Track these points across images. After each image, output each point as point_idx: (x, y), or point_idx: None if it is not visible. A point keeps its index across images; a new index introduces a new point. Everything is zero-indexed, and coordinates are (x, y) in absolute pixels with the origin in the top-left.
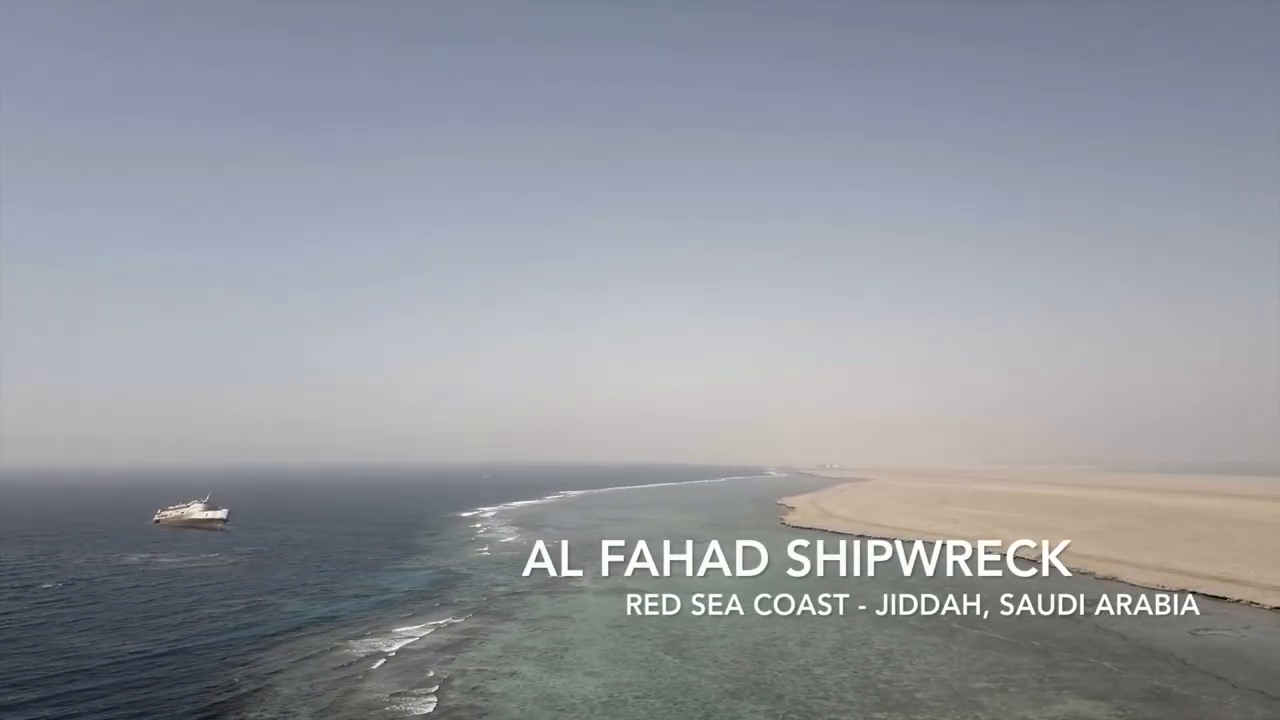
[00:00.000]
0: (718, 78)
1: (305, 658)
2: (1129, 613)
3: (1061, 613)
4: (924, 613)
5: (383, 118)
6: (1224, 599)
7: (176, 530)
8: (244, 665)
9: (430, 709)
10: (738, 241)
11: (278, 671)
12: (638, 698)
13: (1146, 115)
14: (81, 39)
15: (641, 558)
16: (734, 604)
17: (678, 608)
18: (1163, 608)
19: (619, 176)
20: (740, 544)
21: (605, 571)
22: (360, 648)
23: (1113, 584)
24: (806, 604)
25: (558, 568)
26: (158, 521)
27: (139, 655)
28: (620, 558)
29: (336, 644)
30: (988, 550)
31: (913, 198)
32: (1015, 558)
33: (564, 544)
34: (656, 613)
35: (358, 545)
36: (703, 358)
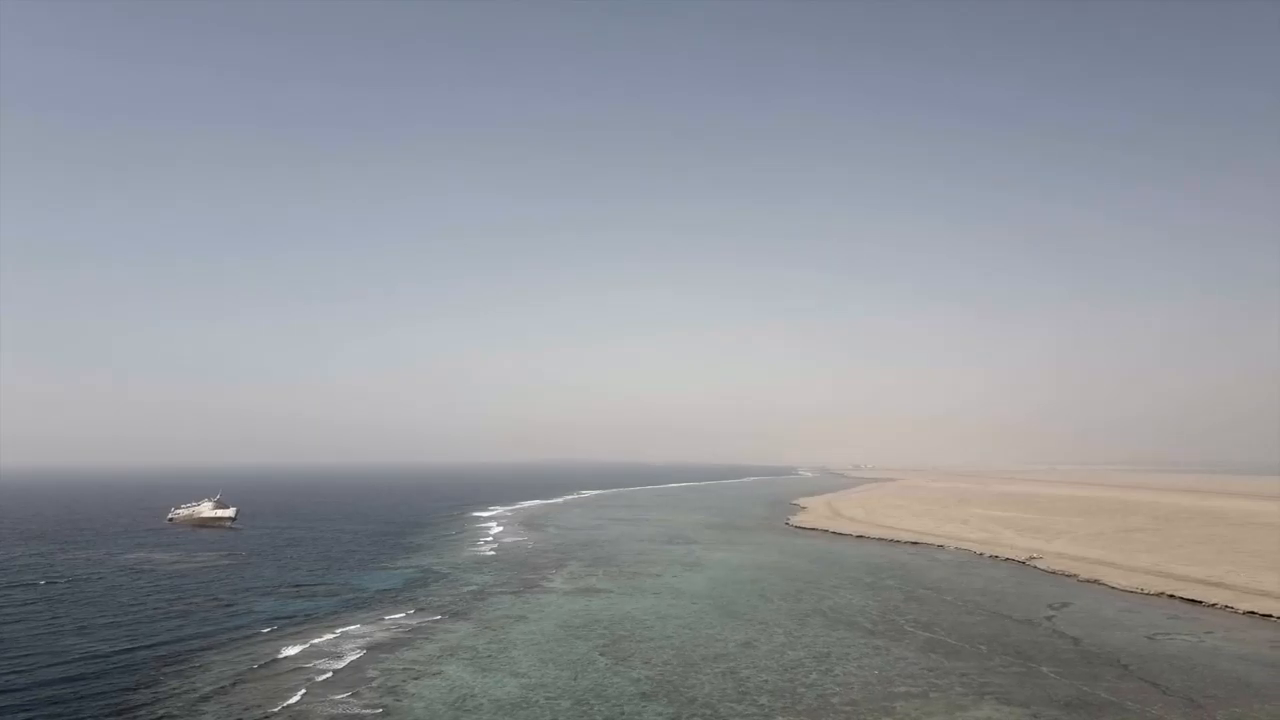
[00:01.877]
0: (723, 80)
1: (246, 656)
2: (1095, 616)
3: (1024, 616)
4: (883, 614)
5: (392, 120)
6: (1200, 602)
7: (189, 529)
8: (182, 664)
9: (337, 709)
10: (765, 244)
11: (210, 670)
12: (549, 699)
13: (1174, 113)
14: (90, 41)
15: (620, 560)
16: (694, 605)
17: (636, 609)
18: (1131, 611)
19: (639, 179)
20: (723, 547)
21: (580, 572)
22: (304, 647)
23: (1092, 586)
24: (768, 605)
25: (530, 568)
26: (171, 520)
27: (88, 656)
28: (600, 558)
29: (284, 643)
30: (975, 553)
31: (937, 196)
32: (1003, 560)
33: (542, 546)
34: (613, 614)
35: (357, 544)
36: (739, 359)
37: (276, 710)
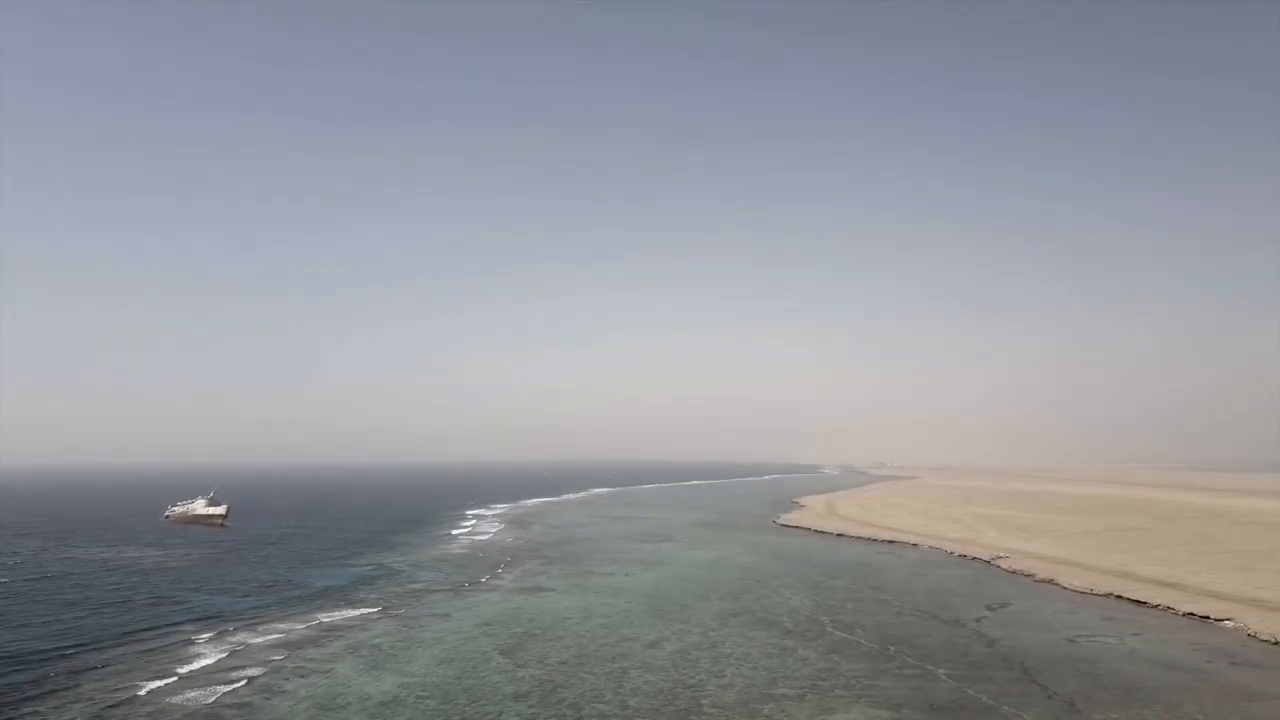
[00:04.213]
0: (723, 80)
1: (149, 654)
2: (1028, 617)
3: (956, 617)
4: (812, 614)
5: (390, 118)
6: (1144, 603)
7: (182, 526)
8: (85, 661)
9: (201, 706)
10: (788, 245)
11: (106, 668)
12: (418, 698)
13: (1174, 113)
14: (84, 20)
15: (584, 558)
16: (627, 605)
17: (566, 608)
18: (1069, 612)
19: (639, 179)
20: (698, 545)
21: (534, 570)
22: (213, 644)
23: (1045, 586)
24: (702, 604)
25: (486, 566)
26: (167, 517)
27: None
28: (565, 557)
29: (196, 640)
30: (946, 552)
31: (937, 196)
32: (970, 559)
33: (516, 544)
34: (540, 613)
35: (336, 542)
36: (741, 359)
37: (142, 705)
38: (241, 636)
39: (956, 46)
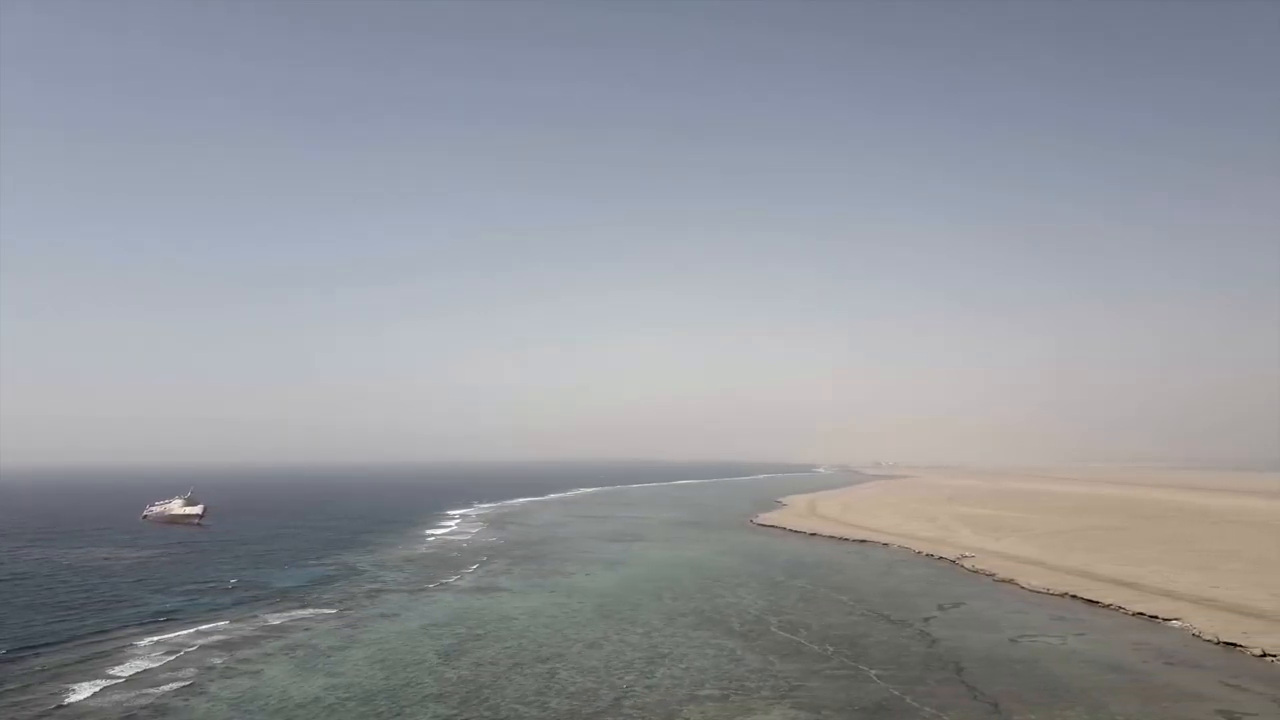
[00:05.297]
0: (724, 79)
1: (88, 657)
2: (978, 617)
3: (905, 617)
4: (761, 615)
5: (390, 117)
6: (1097, 603)
7: (159, 526)
8: (18, 666)
9: (118, 707)
10: (788, 245)
11: (34, 673)
12: (341, 699)
13: (1174, 113)
14: (85, 19)
15: (549, 558)
16: (579, 605)
17: (517, 608)
18: (1020, 612)
19: (639, 179)
20: (667, 545)
21: (496, 570)
22: (155, 646)
23: (1004, 586)
24: (654, 604)
25: (449, 566)
26: (145, 517)
27: None
28: (530, 556)
29: (135, 640)
30: (914, 551)
31: (937, 196)
32: (936, 559)
33: (486, 543)
34: (489, 613)
35: (307, 542)
36: (742, 359)
37: (60, 712)
38: (186, 638)
39: (956, 46)
